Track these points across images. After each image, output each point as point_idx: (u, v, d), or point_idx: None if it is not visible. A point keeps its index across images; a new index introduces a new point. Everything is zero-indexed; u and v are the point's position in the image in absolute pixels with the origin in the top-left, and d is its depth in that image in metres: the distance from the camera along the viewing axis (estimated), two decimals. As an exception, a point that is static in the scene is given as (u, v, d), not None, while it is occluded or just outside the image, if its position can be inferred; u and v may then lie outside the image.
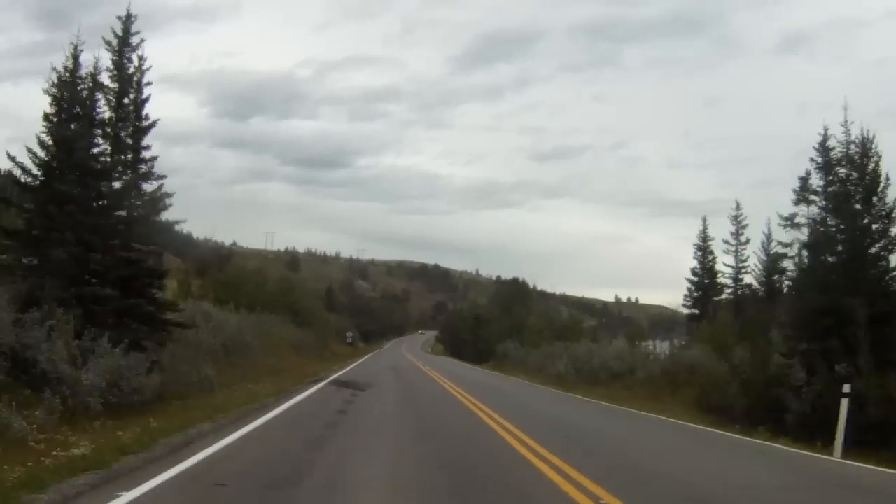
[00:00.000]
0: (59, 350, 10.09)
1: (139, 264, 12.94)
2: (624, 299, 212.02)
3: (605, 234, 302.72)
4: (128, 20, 13.59)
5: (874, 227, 13.39)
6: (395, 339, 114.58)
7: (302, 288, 58.86)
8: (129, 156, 13.58)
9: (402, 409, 14.26)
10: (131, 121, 13.63)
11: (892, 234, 13.28)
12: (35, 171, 12.88)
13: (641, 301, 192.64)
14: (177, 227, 16.47)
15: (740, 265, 34.23)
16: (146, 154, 13.66)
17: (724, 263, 35.12)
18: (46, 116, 13.11)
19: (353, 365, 33.69)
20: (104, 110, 13.39)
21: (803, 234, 15.17)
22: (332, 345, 50.76)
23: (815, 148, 14.51)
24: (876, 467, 8.83)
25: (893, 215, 13.21)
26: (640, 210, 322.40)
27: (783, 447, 10.47)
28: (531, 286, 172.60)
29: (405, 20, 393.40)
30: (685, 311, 39.30)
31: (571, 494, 6.21)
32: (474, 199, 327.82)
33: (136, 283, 12.88)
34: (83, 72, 13.34)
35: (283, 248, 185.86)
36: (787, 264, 17.71)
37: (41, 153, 12.83)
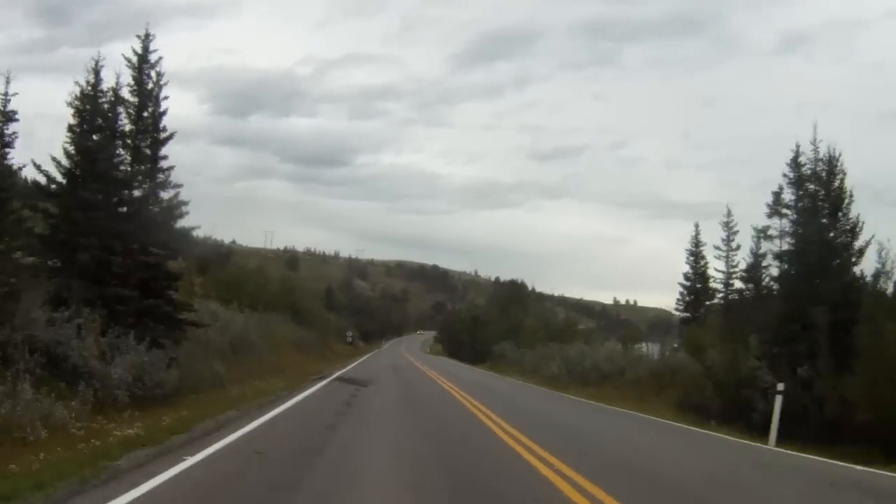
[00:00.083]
0: (88, 346, 11.12)
1: (158, 267, 13.95)
2: (622, 301, 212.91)
3: (604, 235, 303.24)
4: (146, 39, 14.58)
5: (838, 240, 14.42)
6: (393, 338, 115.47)
7: (302, 288, 59.85)
8: (148, 166, 14.57)
9: (401, 402, 15.72)
10: (150, 133, 14.61)
11: (855, 247, 14.31)
12: (60, 178, 13.94)
13: (640, 303, 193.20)
14: (193, 233, 17.41)
15: (731, 270, 35.32)
16: (163, 164, 14.63)
17: (715, 269, 36.22)
18: (70, 128, 14.10)
19: (354, 364, 34.66)
20: (125, 123, 14.42)
21: (776, 246, 16.12)
22: (333, 344, 51.74)
23: (787, 164, 15.53)
24: (797, 453, 10.46)
25: (857, 230, 14.24)
26: (639, 211, 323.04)
27: (732, 438, 12.03)
28: (530, 288, 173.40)
29: (405, 18, 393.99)
30: (678, 314, 40.48)
31: (532, 462, 7.54)
32: (473, 199, 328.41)
33: (155, 285, 13.89)
34: (104, 86, 14.40)
35: (282, 247, 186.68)
36: (764, 272, 18.75)
37: (65, 162, 13.88)
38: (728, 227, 35.99)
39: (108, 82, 14.34)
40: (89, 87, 14.20)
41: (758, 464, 9.25)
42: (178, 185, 14.77)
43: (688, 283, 38.13)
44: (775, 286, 16.67)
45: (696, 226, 38.59)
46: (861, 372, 11.64)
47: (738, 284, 34.90)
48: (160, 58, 14.60)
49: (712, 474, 8.27)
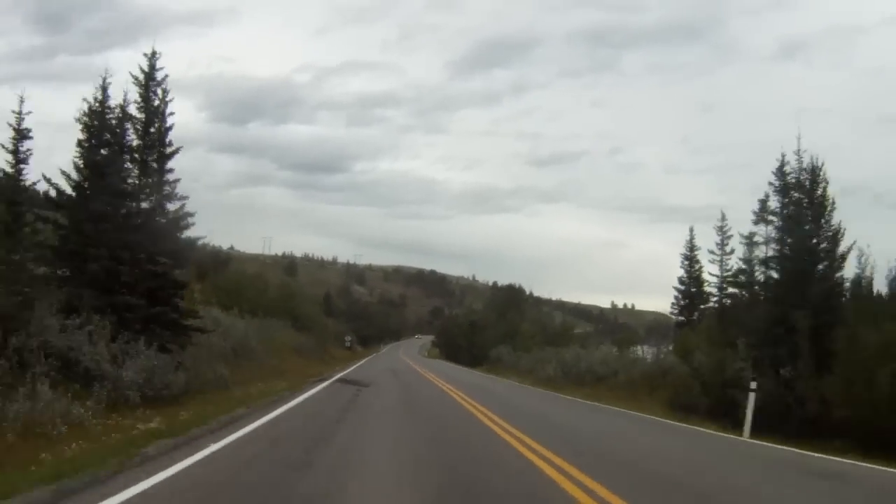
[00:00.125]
0: (100, 351, 11.66)
1: (164, 276, 14.46)
2: (620, 305, 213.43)
3: (602, 239, 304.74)
4: (153, 57, 15.13)
5: (821, 246, 15.00)
6: (391, 343, 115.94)
7: (301, 294, 60.31)
8: (155, 178, 15.08)
9: (400, 402, 16.60)
10: (156, 147, 15.14)
11: (837, 253, 14.87)
12: (69, 191, 14.46)
13: (638, 307, 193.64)
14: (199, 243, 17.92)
15: (724, 274, 35.87)
16: (169, 177, 15.16)
17: (709, 273, 36.75)
18: (79, 142, 14.65)
19: (353, 367, 35.20)
20: (132, 138, 14.96)
21: (762, 252, 16.69)
22: (332, 349, 52.23)
23: (773, 172, 16.11)
24: (768, 443, 11.32)
25: (839, 237, 14.82)
26: (638, 216, 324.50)
27: (710, 431, 13.11)
28: (527, 292, 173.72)
29: (403, 26, 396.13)
30: (673, 318, 41.02)
31: (517, 447, 8.29)
32: (471, 205, 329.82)
33: (162, 294, 14.40)
34: (111, 102, 14.94)
35: (280, 253, 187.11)
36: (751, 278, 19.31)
37: (75, 175, 14.40)
38: (722, 231, 36.67)
39: (114, 98, 14.93)
40: (97, 104, 14.76)
41: (730, 452, 10.29)
42: (184, 197, 15.32)
43: (682, 288, 38.85)
44: (757, 292, 17.26)
45: (691, 230, 39.08)
46: (838, 373, 12.20)
47: (731, 289, 35.65)
48: (166, 75, 15.18)
49: (687, 460, 9.36)
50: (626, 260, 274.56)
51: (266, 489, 5.71)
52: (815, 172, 15.26)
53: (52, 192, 14.31)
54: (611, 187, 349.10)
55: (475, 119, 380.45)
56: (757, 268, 17.53)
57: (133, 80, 14.95)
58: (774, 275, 15.81)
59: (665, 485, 7.03)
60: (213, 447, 7.48)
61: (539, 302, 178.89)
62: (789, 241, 15.36)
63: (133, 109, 14.85)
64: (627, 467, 8.11)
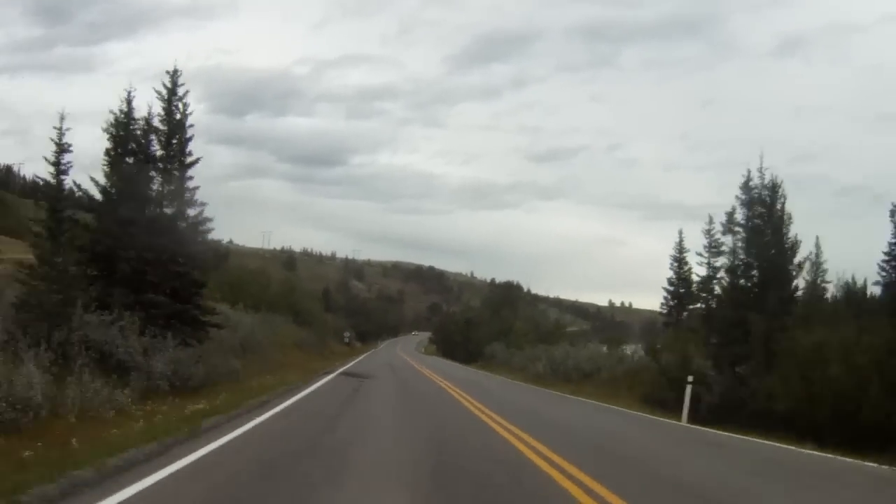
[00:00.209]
0: (133, 344, 13.18)
1: (186, 276, 15.98)
2: (617, 303, 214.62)
3: (600, 236, 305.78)
4: (175, 74, 16.63)
5: (779, 257, 16.56)
6: (389, 339, 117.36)
7: (302, 289, 61.79)
8: (176, 186, 16.58)
9: (397, 390, 19.02)
10: (178, 157, 16.65)
11: (794, 262, 16.45)
12: (98, 196, 15.99)
13: (635, 305, 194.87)
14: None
15: (711, 276, 37.36)
16: (189, 184, 16.67)
17: (696, 274, 38.26)
18: (107, 151, 16.20)
19: (353, 362, 36.78)
20: (156, 149, 16.47)
21: (728, 260, 18.22)
22: (331, 344, 53.74)
23: (739, 187, 17.64)
24: (697, 427, 13.76)
25: (795, 248, 16.40)
26: (636, 213, 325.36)
27: (658, 418, 15.49)
28: (525, 289, 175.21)
29: (403, 20, 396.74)
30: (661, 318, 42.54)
31: (498, 429, 10.15)
32: (470, 200, 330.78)
33: (184, 292, 15.93)
34: (136, 115, 16.46)
35: (279, 247, 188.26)
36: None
37: (103, 181, 15.93)
38: (710, 234, 38.25)
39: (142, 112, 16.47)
40: (122, 115, 16.28)
41: (660, 432, 12.95)
42: (203, 203, 16.84)
43: (672, 288, 40.38)
44: (720, 297, 18.85)
45: (680, 232, 40.66)
46: (779, 370, 13.73)
47: (717, 290, 37.10)
48: (187, 91, 16.68)
49: (624, 436, 12.09)
50: (624, 258, 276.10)
51: (307, 442, 8.09)
52: (774, 189, 16.83)
53: (73, 197, 15.86)
54: (609, 184, 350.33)
55: (474, 113, 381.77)
56: (721, 274, 19.10)
57: (157, 94, 16.48)
58: (737, 282, 17.35)
59: (602, 452, 9.42)
60: (258, 420, 9.62)
61: (536, 299, 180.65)
62: (751, 251, 16.90)
63: (157, 122, 16.41)
64: (578, 440, 10.52)
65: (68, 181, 14.26)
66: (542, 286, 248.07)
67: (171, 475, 5.77)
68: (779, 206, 16.80)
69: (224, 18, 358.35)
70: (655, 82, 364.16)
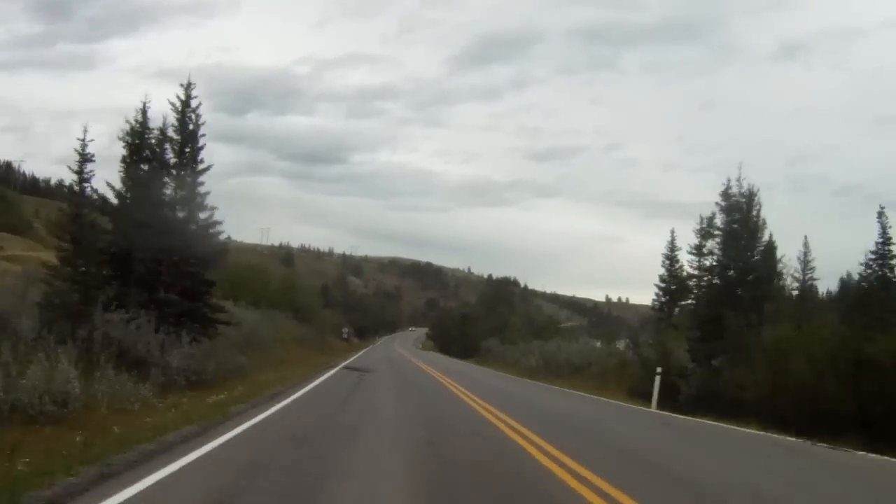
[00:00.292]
0: (151, 341, 14.19)
1: (197, 276, 17.01)
2: (615, 299, 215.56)
3: (598, 234, 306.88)
4: (188, 87, 17.63)
5: (754, 259, 17.70)
6: (386, 335, 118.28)
7: (302, 286, 62.77)
8: (188, 192, 17.57)
9: (396, 381, 20.84)
10: (190, 164, 17.64)
11: (767, 265, 17.58)
12: (113, 200, 16.97)
13: (632, 301, 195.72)
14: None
15: (701, 274, 38.46)
16: (201, 190, 17.66)
17: (687, 272, 39.35)
18: (123, 158, 17.19)
19: (353, 357, 37.87)
20: (170, 157, 17.46)
21: (708, 261, 19.34)
22: (330, 340, 54.78)
23: (719, 194, 18.75)
24: (663, 412, 15.16)
25: (768, 251, 17.53)
26: (635, 211, 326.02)
27: (636, 406, 16.93)
28: (522, 285, 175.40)
29: (403, 20, 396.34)
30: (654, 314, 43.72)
31: (481, 411, 11.62)
32: (468, 197, 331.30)
33: (194, 291, 16.95)
34: (151, 124, 17.45)
35: (277, 244, 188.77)
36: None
37: (119, 186, 16.92)
38: (700, 234, 39.39)
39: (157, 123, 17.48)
40: (137, 125, 17.27)
41: (629, 416, 14.62)
42: (213, 208, 17.84)
43: (663, 285, 41.54)
44: (698, 296, 20.00)
45: (672, 231, 41.76)
46: (747, 363, 14.81)
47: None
48: (199, 103, 17.68)
49: (594, 418, 13.60)
50: (622, 254, 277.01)
51: (323, 421, 9.72)
52: (750, 197, 17.95)
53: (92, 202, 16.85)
54: (608, 183, 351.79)
55: (474, 113, 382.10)
56: (700, 274, 20.20)
57: (171, 106, 17.48)
58: (715, 281, 18.47)
59: (573, 431, 10.88)
60: (277, 406, 10.86)
61: (534, 295, 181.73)
62: (728, 253, 18.01)
63: (171, 132, 17.41)
64: (553, 420, 12.12)
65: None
66: (540, 282, 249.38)
67: (221, 444, 7.09)
68: (754, 213, 17.92)
69: (225, 17, 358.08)
70: (655, 85, 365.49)
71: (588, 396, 19.72)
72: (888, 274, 21.27)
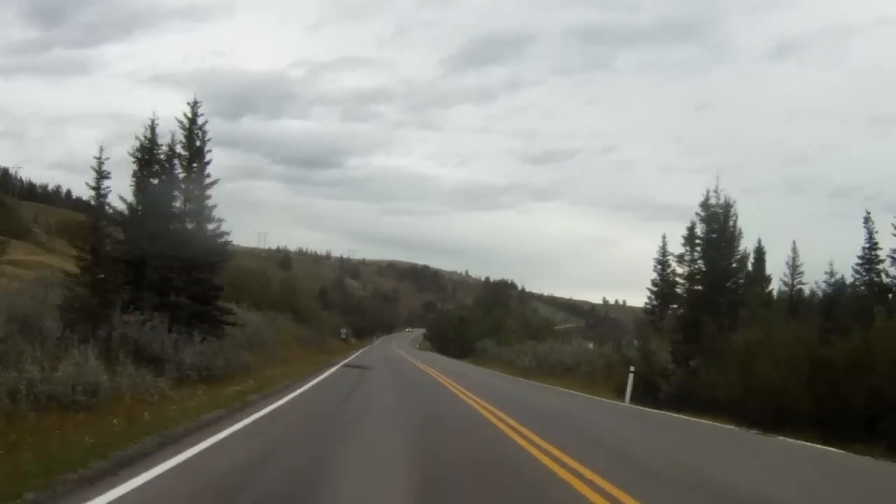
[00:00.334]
0: (165, 340, 15.26)
1: (206, 282, 18.07)
2: (612, 301, 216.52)
3: (595, 237, 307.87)
4: (195, 105, 18.67)
5: (731, 267, 18.90)
6: (383, 336, 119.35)
7: (301, 288, 63.82)
8: (196, 205, 18.59)
9: (395, 378, 22.78)
10: (198, 179, 18.67)
11: (743, 272, 18.69)
12: (125, 212, 18.00)
13: (629, 303, 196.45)
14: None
15: (684, 281, 39.65)
16: (208, 202, 18.70)
17: (678, 278, 40.48)
18: (134, 173, 18.22)
19: (353, 357, 39.06)
20: (179, 171, 18.50)
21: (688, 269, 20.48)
22: (329, 341, 55.84)
23: (699, 205, 19.84)
24: (636, 406, 16.96)
25: (745, 260, 18.67)
26: (631, 213, 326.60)
27: (612, 401, 18.67)
28: (519, 288, 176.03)
29: (398, 22, 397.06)
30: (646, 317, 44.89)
31: (469, 402, 13.21)
32: (464, 201, 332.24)
33: (204, 295, 18.01)
34: (149, 131, 18.44)
35: (275, 247, 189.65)
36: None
37: (130, 199, 17.96)
38: (683, 242, 40.55)
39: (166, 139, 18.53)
40: (147, 141, 18.29)
41: (601, 408, 16.57)
42: (220, 220, 18.89)
43: (655, 289, 42.69)
44: (680, 300, 21.17)
45: (664, 237, 42.84)
46: (719, 364, 15.91)
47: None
48: (206, 121, 18.71)
49: (571, 409, 15.51)
50: (618, 257, 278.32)
51: (333, 407, 11.39)
52: (727, 208, 19.11)
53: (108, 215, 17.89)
54: (604, 186, 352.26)
55: (469, 116, 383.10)
56: (681, 280, 21.35)
57: (179, 124, 18.52)
58: (696, 287, 19.59)
59: (554, 421, 12.45)
60: (290, 396, 12.53)
61: (531, 297, 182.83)
62: (707, 261, 19.15)
63: (179, 148, 18.44)
64: (534, 410, 13.90)
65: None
66: (537, 285, 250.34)
67: (251, 422, 8.67)
68: (731, 224, 19.06)
69: (219, 20, 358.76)
70: (651, 85, 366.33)
71: (569, 392, 21.24)
72: (875, 279, 22.41)
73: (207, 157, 18.71)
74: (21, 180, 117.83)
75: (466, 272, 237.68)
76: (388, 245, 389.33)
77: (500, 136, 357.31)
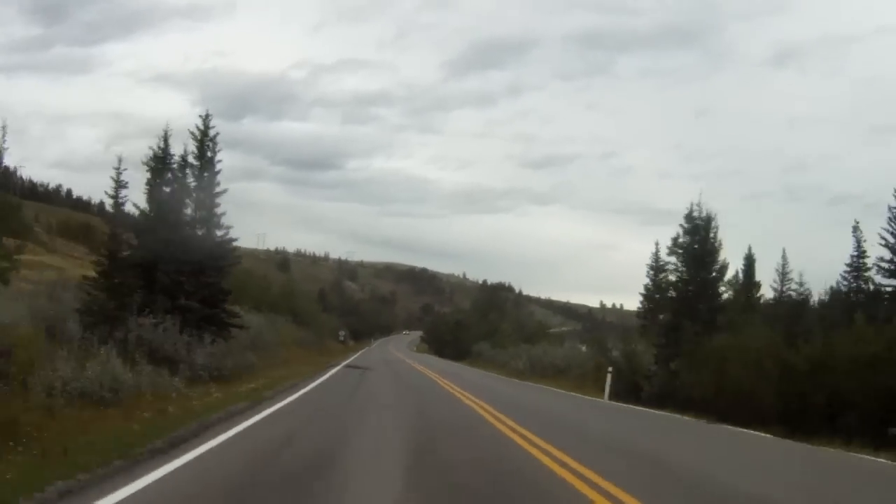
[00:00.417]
0: (178, 342, 16.27)
1: (215, 286, 19.09)
2: (609, 305, 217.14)
3: (593, 241, 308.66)
4: (207, 118, 19.72)
5: (711, 276, 20.06)
6: (381, 338, 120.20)
7: (300, 291, 64.80)
8: (206, 213, 19.62)
9: (394, 377, 24.31)
10: (209, 187, 19.70)
11: (723, 281, 19.88)
12: (139, 218, 19.04)
13: (627, 307, 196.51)
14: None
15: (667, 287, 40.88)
16: (217, 210, 19.73)
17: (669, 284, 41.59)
18: (147, 181, 19.25)
19: (352, 358, 40.20)
20: (191, 180, 19.54)
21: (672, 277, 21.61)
22: (327, 342, 56.81)
23: (684, 216, 20.97)
24: (614, 402, 18.44)
25: (724, 270, 19.86)
26: (630, 218, 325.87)
27: (594, 398, 19.94)
28: (517, 291, 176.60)
29: (399, 25, 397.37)
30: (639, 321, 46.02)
31: (461, 398, 14.33)
32: (463, 205, 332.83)
33: (212, 299, 19.03)
34: (172, 150, 19.51)
35: (273, 249, 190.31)
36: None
37: (143, 206, 18.98)
38: (675, 249, 41.80)
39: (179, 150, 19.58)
40: (160, 151, 19.31)
41: (583, 405, 17.81)
42: (229, 227, 19.94)
43: (646, 294, 43.80)
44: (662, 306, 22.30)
45: (657, 244, 43.91)
46: (693, 366, 17.02)
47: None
48: (217, 133, 19.77)
49: (555, 406, 16.73)
50: (616, 261, 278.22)
51: (340, 401, 12.76)
52: (708, 220, 20.24)
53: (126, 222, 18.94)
54: (603, 191, 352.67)
55: (469, 120, 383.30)
56: (665, 287, 22.47)
57: (191, 135, 19.58)
58: (678, 294, 20.71)
59: (539, 415, 13.75)
60: (299, 393, 13.94)
61: (529, 300, 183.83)
62: (689, 270, 20.28)
63: (191, 158, 19.50)
64: (521, 407, 14.82)
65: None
66: (535, 288, 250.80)
67: (274, 411, 10.15)
68: (712, 235, 20.19)
69: (221, 21, 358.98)
70: (651, 91, 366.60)
71: (553, 390, 22.76)
72: (863, 286, 23.51)
73: (217, 167, 19.78)
74: (22, 179, 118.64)
75: (464, 275, 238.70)
76: (387, 247, 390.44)
77: (500, 140, 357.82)
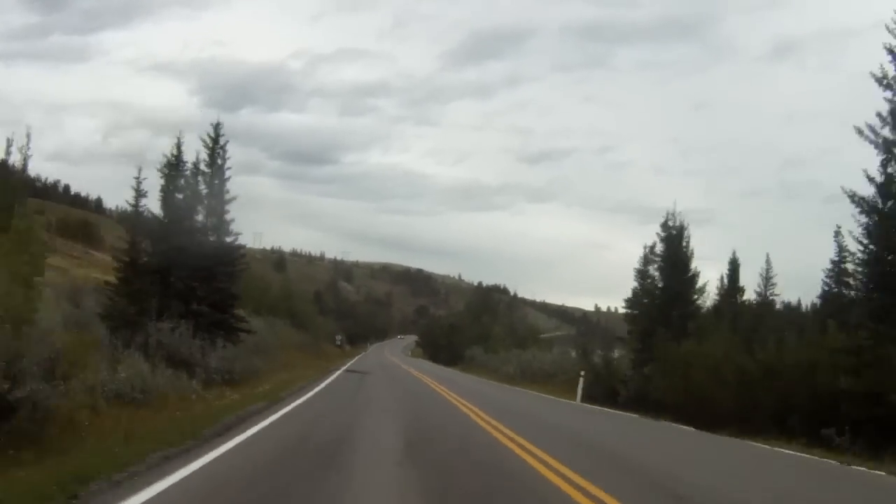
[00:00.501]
0: (193, 346, 17.67)
1: (225, 291, 20.53)
2: (604, 308, 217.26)
3: (589, 241, 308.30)
4: (218, 127, 21.17)
5: (684, 281, 21.64)
6: (377, 343, 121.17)
7: (298, 293, 66.01)
8: (217, 219, 21.06)
9: (391, 382, 25.85)
10: (219, 195, 21.14)
11: (695, 288, 21.40)
12: (156, 228, 20.43)
13: (622, 310, 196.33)
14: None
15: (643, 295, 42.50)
16: (227, 217, 21.18)
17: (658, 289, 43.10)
18: (162, 188, 20.66)
19: (351, 363, 41.57)
20: (203, 188, 20.97)
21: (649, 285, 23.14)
22: (325, 346, 58.05)
23: (660, 225, 22.53)
24: (587, 404, 20.40)
25: (696, 277, 21.36)
26: (626, 216, 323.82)
27: (569, 400, 21.71)
28: (511, 293, 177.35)
29: (398, 14, 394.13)
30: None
31: (452, 401, 15.90)
32: (460, 201, 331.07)
33: (222, 304, 20.47)
34: (185, 158, 20.88)
35: (269, 247, 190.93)
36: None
37: (157, 212, 20.37)
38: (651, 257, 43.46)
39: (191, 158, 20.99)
40: (173, 158, 20.70)
41: (557, 406, 19.89)
42: (238, 233, 21.39)
43: (632, 298, 45.29)
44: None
45: (645, 247, 45.37)
46: (663, 372, 18.56)
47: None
48: (227, 141, 21.22)
49: (532, 406, 18.62)
50: (611, 262, 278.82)
51: (345, 400, 15.20)
52: (681, 230, 21.81)
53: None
54: (600, 187, 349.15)
55: (466, 112, 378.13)
56: (639, 294, 24.05)
57: (203, 143, 21.03)
58: (651, 301, 22.26)
59: (515, 414, 15.28)
60: (309, 394, 15.69)
61: (523, 303, 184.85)
62: (663, 278, 21.84)
63: (202, 166, 20.95)
64: (495, 403, 17.20)
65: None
66: (530, 290, 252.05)
67: (290, 410, 11.87)
68: (685, 244, 21.73)
69: (219, 9, 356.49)
70: (649, 84, 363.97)
71: (535, 394, 24.99)
72: (844, 291, 24.71)
73: (227, 174, 21.23)
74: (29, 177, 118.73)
75: (459, 276, 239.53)
76: (383, 246, 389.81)
77: (497, 132, 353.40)
